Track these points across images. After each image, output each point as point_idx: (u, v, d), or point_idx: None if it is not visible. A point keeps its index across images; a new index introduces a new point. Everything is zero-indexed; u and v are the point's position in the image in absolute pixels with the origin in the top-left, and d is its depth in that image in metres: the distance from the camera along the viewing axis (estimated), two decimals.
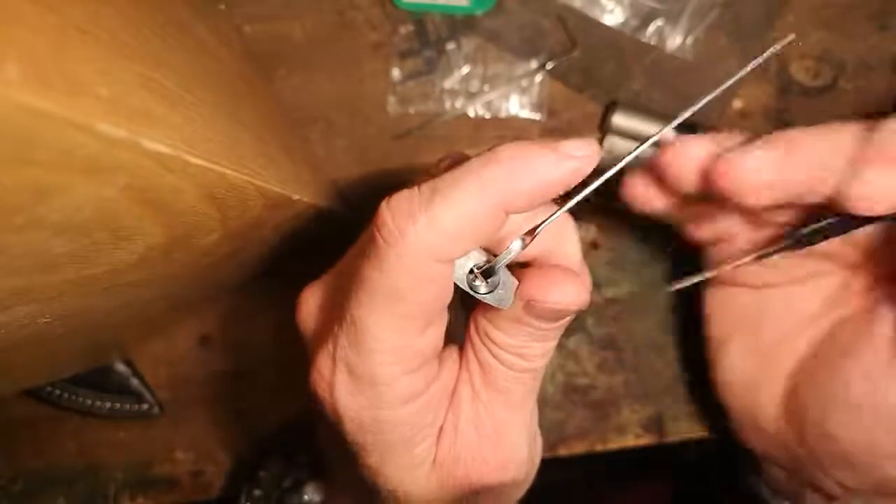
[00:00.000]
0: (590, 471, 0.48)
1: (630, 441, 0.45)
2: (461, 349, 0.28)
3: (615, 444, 0.45)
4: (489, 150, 0.23)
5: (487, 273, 0.24)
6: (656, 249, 0.45)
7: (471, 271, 0.24)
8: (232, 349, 0.46)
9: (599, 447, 0.45)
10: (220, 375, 0.46)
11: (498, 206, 0.22)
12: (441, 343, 0.25)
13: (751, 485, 0.39)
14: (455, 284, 0.24)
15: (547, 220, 0.24)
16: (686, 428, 0.44)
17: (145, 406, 0.45)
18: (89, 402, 0.44)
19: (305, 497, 0.35)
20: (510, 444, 0.27)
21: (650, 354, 0.45)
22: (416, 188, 0.23)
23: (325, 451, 0.37)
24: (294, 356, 0.47)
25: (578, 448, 0.44)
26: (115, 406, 0.44)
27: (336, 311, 0.25)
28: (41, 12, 0.17)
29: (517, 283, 0.24)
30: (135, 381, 0.45)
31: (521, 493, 0.28)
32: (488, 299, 0.24)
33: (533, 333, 0.25)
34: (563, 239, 0.27)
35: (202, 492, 0.45)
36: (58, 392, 0.44)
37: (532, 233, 0.23)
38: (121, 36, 0.22)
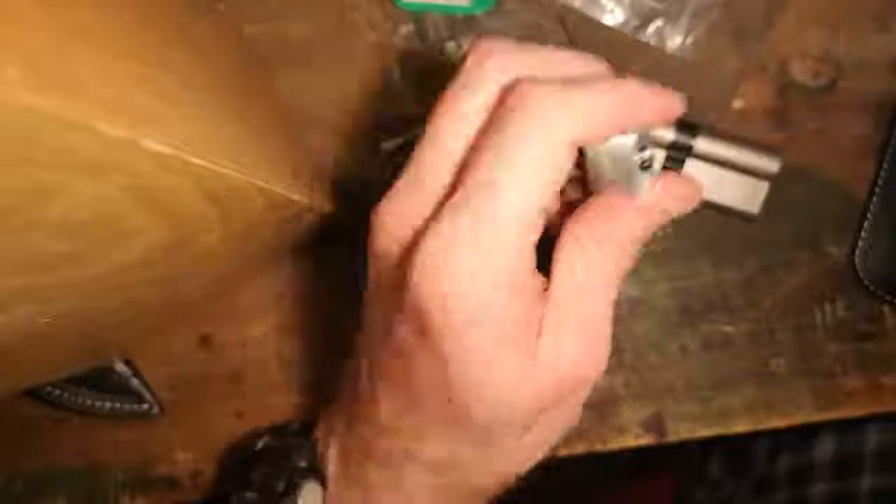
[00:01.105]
0: (590, 471, 0.48)
1: (630, 441, 0.45)
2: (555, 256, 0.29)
3: (615, 444, 0.45)
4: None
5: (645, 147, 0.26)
6: (657, 249, 0.45)
7: (641, 146, 0.25)
8: (232, 349, 0.46)
9: (599, 447, 0.45)
10: (220, 375, 0.46)
11: (616, 121, 0.24)
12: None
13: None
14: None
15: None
16: (686, 428, 0.44)
17: (145, 406, 0.45)
18: (89, 402, 0.44)
19: (300, 502, 0.34)
20: (604, 339, 0.28)
21: (650, 354, 0.45)
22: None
23: (328, 449, 0.37)
24: (294, 356, 0.47)
25: (578, 448, 0.44)
26: (115, 406, 0.44)
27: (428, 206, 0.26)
28: (41, 12, 0.17)
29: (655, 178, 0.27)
30: (135, 381, 0.45)
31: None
32: (639, 178, 0.26)
33: (640, 234, 0.27)
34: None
35: (202, 492, 0.45)
36: (58, 392, 0.44)
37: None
38: (121, 36, 0.22)
